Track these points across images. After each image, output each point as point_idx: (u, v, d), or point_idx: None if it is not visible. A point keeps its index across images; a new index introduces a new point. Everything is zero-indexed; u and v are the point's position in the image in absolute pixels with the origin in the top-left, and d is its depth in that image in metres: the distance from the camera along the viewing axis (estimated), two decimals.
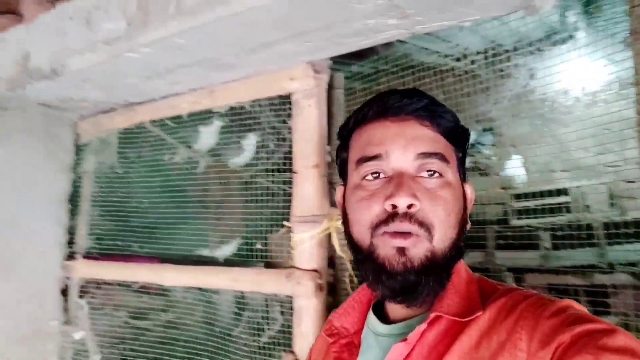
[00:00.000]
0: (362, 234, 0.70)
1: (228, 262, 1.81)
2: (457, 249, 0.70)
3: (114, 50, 1.33)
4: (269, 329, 1.61)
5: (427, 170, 0.69)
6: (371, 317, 0.78)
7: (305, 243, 1.42)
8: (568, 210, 3.21)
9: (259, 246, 1.67)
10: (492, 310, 0.65)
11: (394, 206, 0.66)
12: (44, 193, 2.01)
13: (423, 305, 0.70)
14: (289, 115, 1.52)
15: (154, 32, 1.22)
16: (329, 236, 1.47)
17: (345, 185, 0.79)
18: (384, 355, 0.68)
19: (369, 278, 0.70)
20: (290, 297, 1.49)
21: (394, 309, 0.75)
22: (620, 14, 1.29)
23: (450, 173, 0.71)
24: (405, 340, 0.66)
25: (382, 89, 1.53)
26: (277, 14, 1.07)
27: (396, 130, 0.71)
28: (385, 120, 0.72)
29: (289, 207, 1.52)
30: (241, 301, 1.69)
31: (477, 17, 1.10)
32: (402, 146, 0.69)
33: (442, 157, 0.70)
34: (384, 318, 0.77)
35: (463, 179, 0.76)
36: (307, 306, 1.42)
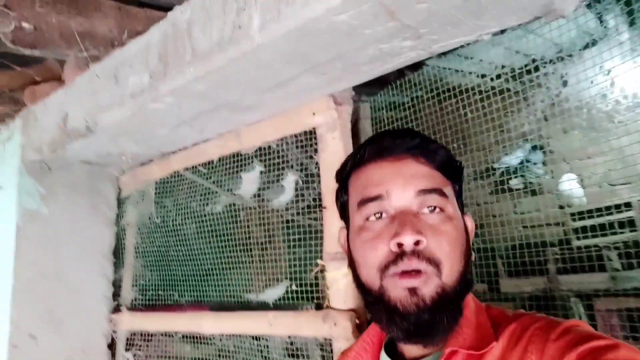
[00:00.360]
0: (371, 276, 0.70)
1: (277, 306, 1.77)
2: (465, 282, 0.71)
3: (139, 102, 1.37)
4: None
5: (428, 207, 0.70)
6: (384, 358, 0.78)
7: (340, 281, 1.36)
8: (634, 225, 2.97)
9: (294, 287, 1.62)
10: (504, 338, 0.66)
11: (400, 245, 0.67)
12: (89, 247, 2.07)
13: (438, 343, 0.69)
14: (316, 151, 1.50)
15: (173, 81, 1.25)
16: None
17: (347, 227, 0.80)
18: None
19: (382, 321, 0.70)
20: (329, 339, 1.42)
21: (407, 348, 0.75)
22: None
23: (450, 207, 0.72)
24: None
25: (410, 117, 1.50)
26: (286, 50, 1.07)
27: (394, 170, 0.72)
28: (382, 160, 0.74)
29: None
30: (290, 347, 1.63)
31: (494, 29, 1.05)
32: (402, 185, 0.71)
33: (441, 192, 0.72)
34: (397, 358, 0.76)
35: (462, 212, 0.77)
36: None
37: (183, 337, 1.96)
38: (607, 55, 1.17)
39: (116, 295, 2.15)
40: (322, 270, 1.45)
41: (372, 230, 0.71)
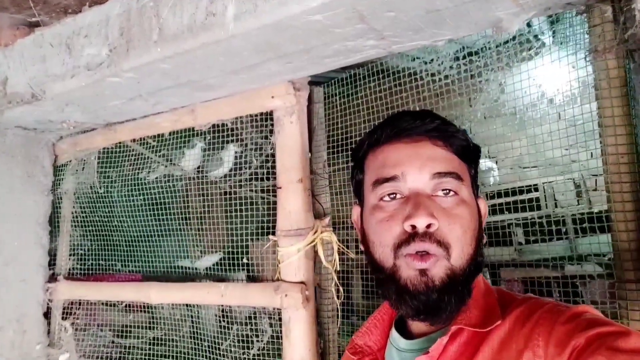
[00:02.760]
0: (384, 254, 0.71)
1: (209, 275, 1.84)
2: (476, 264, 0.72)
3: (95, 75, 1.35)
4: (258, 341, 1.64)
5: (443, 190, 0.71)
6: (394, 334, 0.80)
7: (292, 256, 1.46)
8: (539, 205, 3.35)
9: (245, 260, 1.70)
10: (511, 320, 0.67)
11: (413, 226, 0.68)
12: (23, 215, 2.00)
13: (445, 321, 0.72)
14: (271, 132, 1.56)
15: (137, 59, 1.24)
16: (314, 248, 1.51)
17: (361, 205, 0.81)
18: None
19: (392, 298, 0.72)
20: (279, 309, 1.53)
21: (416, 325, 0.77)
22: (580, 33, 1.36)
23: (465, 191, 0.72)
24: (427, 353, 0.68)
25: (361, 98, 1.60)
26: (259, 41, 1.12)
27: (410, 152, 0.72)
28: (398, 142, 0.74)
29: (270, 221, 1.56)
30: (229, 315, 1.72)
31: (449, 37, 1.17)
32: (418, 167, 0.71)
33: (457, 176, 0.71)
34: (406, 334, 0.79)
35: (476, 195, 0.78)
36: (296, 317, 1.46)
37: (126, 306, 1.98)
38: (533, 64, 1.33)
39: (52, 264, 2.11)
40: (275, 245, 1.55)
41: (386, 210, 0.72)
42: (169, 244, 2.03)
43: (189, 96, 1.55)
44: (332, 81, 1.65)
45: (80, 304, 2.08)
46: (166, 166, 2.00)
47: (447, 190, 0.71)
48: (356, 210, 0.83)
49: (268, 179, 1.63)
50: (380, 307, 0.87)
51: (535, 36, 1.54)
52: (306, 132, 1.52)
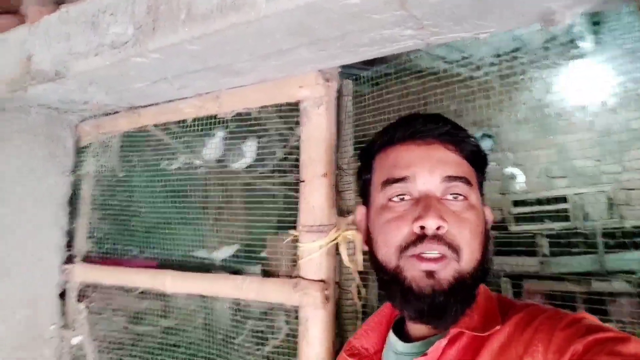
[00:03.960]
0: (389, 255, 0.71)
1: (225, 267, 1.80)
2: (482, 270, 0.71)
3: (121, 54, 1.30)
4: (273, 337, 1.59)
5: (452, 194, 0.71)
6: (391, 337, 0.80)
7: (314, 253, 1.40)
8: (567, 218, 3.23)
9: (263, 254, 1.65)
10: (511, 325, 0.67)
11: (423, 227, 0.68)
12: (43, 195, 1.98)
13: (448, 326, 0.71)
14: (297, 123, 1.50)
15: (163, 38, 1.19)
16: (336, 246, 1.45)
17: (367, 205, 0.81)
18: None
19: (396, 300, 0.72)
20: (297, 306, 1.47)
21: (415, 328, 0.77)
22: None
23: (474, 196, 0.73)
24: (425, 355, 0.67)
25: (390, 95, 1.53)
26: (291, 23, 1.06)
27: (422, 154, 0.73)
28: (411, 143, 0.74)
29: (292, 216, 1.51)
30: (245, 309, 1.67)
31: (493, 29, 1.09)
32: (429, 169, 0.71)
33: (467, 181, 0.72)
34: (404, 337, 0.78)
35: (482, 202, 0.78)
36: (314, 316, 1.41)
37: (141, 292, 1.95)
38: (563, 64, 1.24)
39: (70, 246, 2.09)
40: (296, 240, 1.49)
41: (395, 210, 0.72)
42: (186, 233, 2.00)
43: (215, 81, 1.50)
44: (362, 76, 1.59)
45: (95, 287, 2.06)
46: (187, 154, 1.96)
47: (457, 195, 0.71)
48: (361, 210, 0.83)
49: (291, 172, 1.57)
50: (379, 309, 0.87)
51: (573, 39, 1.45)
52: (334, 125, 1.45)
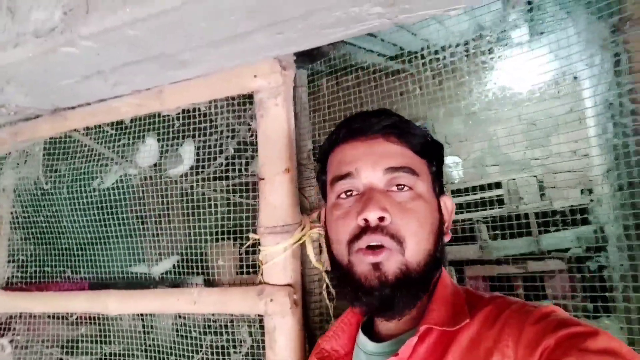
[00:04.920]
0: (340, 251, 0.73)
1: (164, 281, 1.65)
2: (434, 260, 0.72)
3: (47, 44, 1.13)
4: (235, 352, 1.46)
5: (397, 185, 0.73)
6: (361, 337, 0.80)
7: (278, 256, 1.30)
8: (502, 202, 3.38)
9: (221, 262, 1.52)
10: (479, 319, 0.67)
11: (366, 220, 0.69)
12: None
13: (411, 321, 0.73)
14: (251, 117, 1.39)
15: (99, 22, 1.04)
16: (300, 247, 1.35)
17: (326, 206, 0.83)
18: None
19: (348, 295, 0.73)
20: (261, 315, 1.35)
21: (383, 326, 0.77)
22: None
23: (421, 186, 0.74)
24: (396, 355, 0.66)
25: (343, 84, 1.48)
26: (254, 0, 0.95)
27: (365, 149, 0.75)
28: (354, 140, 0.77)
29: (246, 219, 1.40)
30: (202, 324, 1.52)
31: (463, 5, 1.05)
32: (371, 163, 0.73)
33: (411, 171, 0.73)
34: (374, 336, 0.78)
35: (440, 192, 0.79)
36: (282, 324, 1.30)
37: (78, 318, 1.73)
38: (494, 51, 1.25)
39: None
40: (255, 244, 1.37)
41: (343, 207, 0.74)
42: (123, 248, 1.81)
43: (157, 75, 1.35)
44: (316, 64, 1.52)
45: (21, 317, 1.80)
46: (119, 163, 1.78)
47: (402, 186, 0.73)
48: (323, 211, 0.85)
49: (246, 170, 1.45)
50: (348, 310, 0.87)
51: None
52: (292, 117, 1.36)
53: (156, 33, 1.07)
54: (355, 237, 0.70)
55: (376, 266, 0.68)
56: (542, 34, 1.24)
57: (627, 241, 0.97)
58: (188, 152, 1.77)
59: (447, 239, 0.78)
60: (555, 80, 1.28)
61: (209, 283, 1.58)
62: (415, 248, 0.69)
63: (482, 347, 0.63)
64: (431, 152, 0.79)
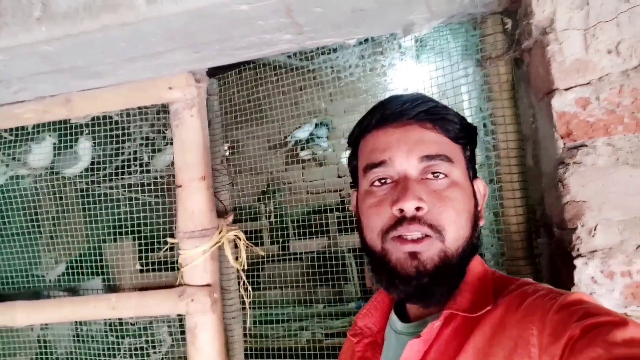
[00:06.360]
0: (373, 239, 0.72)
1: (59, 286, 1.64)
2: (471, 247, 0.71)
3: None
4: (155, 352, 1.51)
5: (433, 173, 0.70)
6: (392, 316, 0.81)
7: (198, 259, 1.37)
8: None
9: (139, 266, 1.55)
10: (503, 306, 0.65)
11: (402, 210, 0.67)
12: None
13: (438, 305, 0.71)
14: (165, 125, 1.44)
15: (12, 38, 1.03)
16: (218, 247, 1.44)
17: (357, 191, 0.80)
18: (402, 351, 0.69)
19: (383, 282, 0.72)
20: (181, 315, 1.42)
21: (413, 308, 0.78)
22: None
23: (457, 173, 0.72)
24: (419, 336, 0.67)
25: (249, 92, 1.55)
26: (174, 27, 1.02)
27: (399, 136, 0.72)
28: (387, 127, 0.74)
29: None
30: (119, 328, 1.55)
31: (362, 35, 1.20)
32: (406, 151, 0.70)
33: (447, 158, 0.71)
34: (404, 316, 0.79)
35: (473, 176, 0.77)
36: (203, 322, 1.39)
37: None
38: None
39: None
40: (172, 248, 1.43)
41: (377, 195, 0.72)
42: (14, 254, 1.74)
43: (63, 84, 1.34)
44: (227, 74, 1.58)
45: None
46: (8, 165, 1.71)
47: (438, 173, 0.70)
48: (354, 196, 0.82)
49: (162, 177, 1.50)
50: (380, 290, 0.85)
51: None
52: (207, 127, 1.43)
53: (72, 50, 1.08)
54: (391, 227, 0.68)
55: (413, 255, 0.66)
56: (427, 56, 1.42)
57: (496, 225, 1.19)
58: (83, 149, 1.74)
59: (481, 223, 0.76)
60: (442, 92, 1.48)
61: (111, 287, 1.60)
62: (454, 236, 0.68)
63: (506, 335, 0.61)
64: (466, 136, 0.76)
